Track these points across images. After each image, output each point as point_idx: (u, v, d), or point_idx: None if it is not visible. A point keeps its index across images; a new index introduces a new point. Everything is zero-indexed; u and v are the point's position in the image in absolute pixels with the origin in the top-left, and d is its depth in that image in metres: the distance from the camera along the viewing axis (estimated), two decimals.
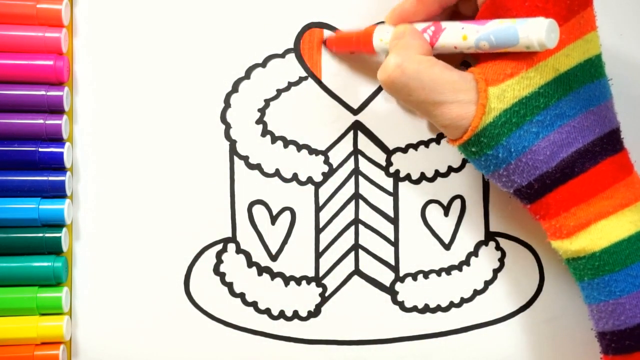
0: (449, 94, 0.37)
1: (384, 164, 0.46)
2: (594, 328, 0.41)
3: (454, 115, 0.37)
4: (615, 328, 0.38)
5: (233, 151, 0.45)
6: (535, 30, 0.35)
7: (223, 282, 0.46)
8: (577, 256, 0.39)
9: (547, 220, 0.40)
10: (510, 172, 0.38)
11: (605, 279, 0.38)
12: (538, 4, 0.36)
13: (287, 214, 0.46)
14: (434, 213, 0.46)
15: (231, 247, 0.46)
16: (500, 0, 0.37)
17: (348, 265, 0.46)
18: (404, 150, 0.46)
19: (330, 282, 0.46)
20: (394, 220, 0.46)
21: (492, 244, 0.46)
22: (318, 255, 0.46)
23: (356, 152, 0.46)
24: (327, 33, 0.45)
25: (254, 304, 0.46)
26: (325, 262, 0.46)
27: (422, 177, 0.46)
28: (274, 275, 0.46)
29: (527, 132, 0.37)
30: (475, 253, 0.46)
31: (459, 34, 0.37)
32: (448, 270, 0.46)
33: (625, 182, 0.39)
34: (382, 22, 0.42)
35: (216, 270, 0.46)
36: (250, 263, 0.46)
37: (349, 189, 0.46)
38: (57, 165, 0.44)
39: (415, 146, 0.46)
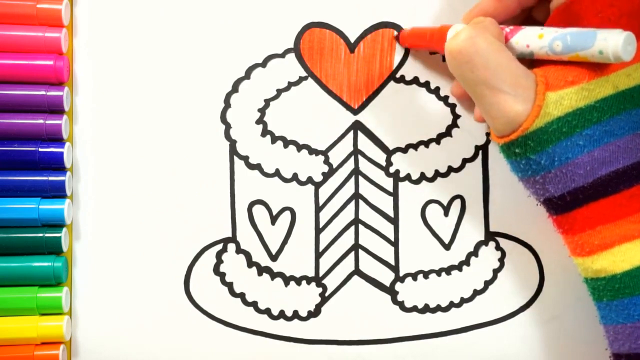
0: (508, 84, 0.36)
1: (384, 164, 0.46)
2: (609, 349, 0.40)
3: (506, 108, 0.36)
4: (632, 351, 0.38)
5: (233, 151, 0.45)
6: (613, 39, 0.34)
7: (223, 282, 0.46)
8: (597, 276, 0.38)
9: (570, 235, 0.39)
10: (546, 181, 0.38)
11: (625, 302, 0.38)
12: (611, 18, 0.36)
13: (287, 214, 0.46)
14: (434, 213, 0.46)
15: (231, 247, 0.46)
16: (573, 8, 0.37)
17: (348, 265, 0.46)
18: (404, 150, 0.46)
19: (330, 282, 0.46)
20: (394, 220, 0.46)
21: (492, 244, 0.46)
22: (318, 255, 0.46)
23: (356, 152, 0.46)
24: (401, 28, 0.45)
25: (254, 304, 0.46)
26: (325, 262, 0.46)
27: (422, 177, 0.46)
28: (274, 275, 0.46)
29: (573, 144, 0.37)
30: (475, 253, 0.46)
31: (536, 32, 0.37)
32: (448, 270, 0.46)
33: None
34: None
35: (216, 270, 0.46)
36: (250, 263, 0.46)
37: (349, 189, 0.46)
38: (57, 165, 0.44)
39: (415, 146, 0.46)
